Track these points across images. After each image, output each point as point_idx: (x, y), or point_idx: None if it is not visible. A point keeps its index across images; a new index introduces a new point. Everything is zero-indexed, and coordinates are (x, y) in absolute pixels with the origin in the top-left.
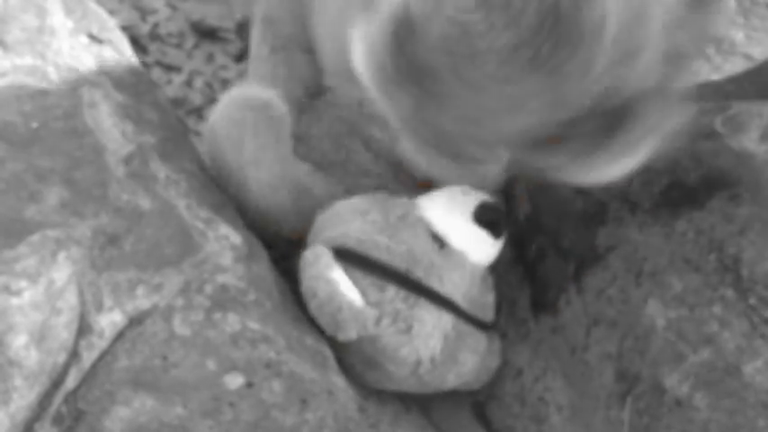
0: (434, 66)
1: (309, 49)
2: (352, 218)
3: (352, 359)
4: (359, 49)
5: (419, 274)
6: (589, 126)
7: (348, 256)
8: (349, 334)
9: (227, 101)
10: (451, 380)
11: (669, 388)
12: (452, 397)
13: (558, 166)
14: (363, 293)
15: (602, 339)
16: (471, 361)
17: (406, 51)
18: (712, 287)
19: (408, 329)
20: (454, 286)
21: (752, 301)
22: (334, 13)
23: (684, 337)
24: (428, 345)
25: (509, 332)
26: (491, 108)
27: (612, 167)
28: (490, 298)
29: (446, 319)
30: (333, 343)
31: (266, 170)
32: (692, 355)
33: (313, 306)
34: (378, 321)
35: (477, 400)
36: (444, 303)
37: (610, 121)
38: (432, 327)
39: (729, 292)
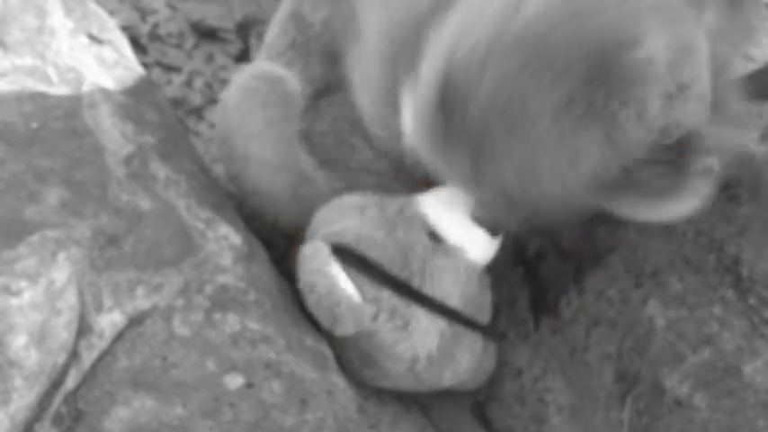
0: (487, 128)
1: (330, 54)
2: (351, 214)
3: (349, 355)
4: (408, 115)
5: (415, 270)
6: (655, 167)
7: (345, 253)
8: (346, 329)
9: (244, 73)
10: (448, 378)
11: (669, 388)
12: (452, 397)
13: (627, 208)
14: (361, 289)
15: (602, 340)
16: (467, 359)
17: (456, 116)
18: (712, 287)
19: (405, 326)
20: (451, 284)
21: (752, 301)
22: (373, 62)
23: (684, 338)
24: (425, 341)
25: (509, 332)
26: (550, 164)
27: (683, 203)
28: (487, 298)
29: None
30: (330, 339)
31: (270, 147)
32: (692, 355)
33: (311, 300)
34: (375, 317)
35: (477, 401)
36: (439, 309)
37: (674, 158)
38: (428, 323)
39: (729, 293)
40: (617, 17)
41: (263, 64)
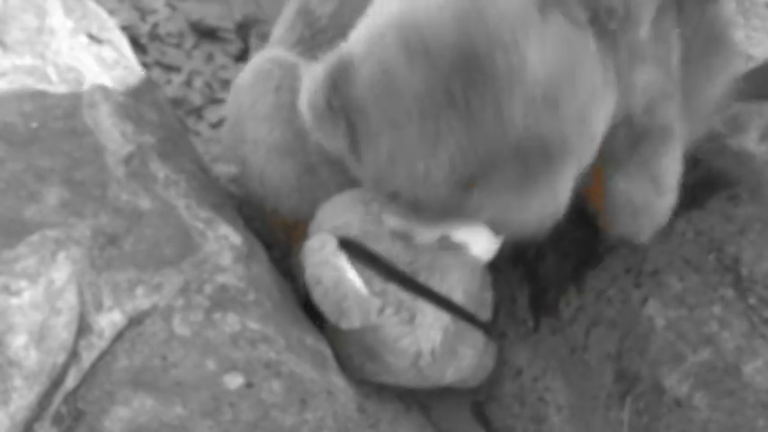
0: (362, 104)
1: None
2: (356, 208)
3: (351, 350)
4: (303, 87)
5: (422, 265)
6: (509, 170)
7: (352, 247)
8: (353, 322)
9: (258, 57)
10: (450, 374)
11: (669, 388)
12: (452, 397)
13: (477, 209)
14: (368, 282)
15: (602, 339)
16: (470, 355)
17: (339, 91)
18: (712, 287)
19: (411, 320)
20: (456, 280)
21: (751, 301)
22: None
23: (684, 337)
24: (429, 336)
25: (509, 332)
26: (412, 145)
27: (529, 214)
28: (488, 295)
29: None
30: (331, 334)
31: (279, 132)
32: (692, 355)
33: (317, 293)
34: (381, 310)
35: (477, 400)
36: (443, 304)
37: (529, 166)
38: (433, 318)
39: (729, 293)
40: (496, 22)
41: (277, 50)
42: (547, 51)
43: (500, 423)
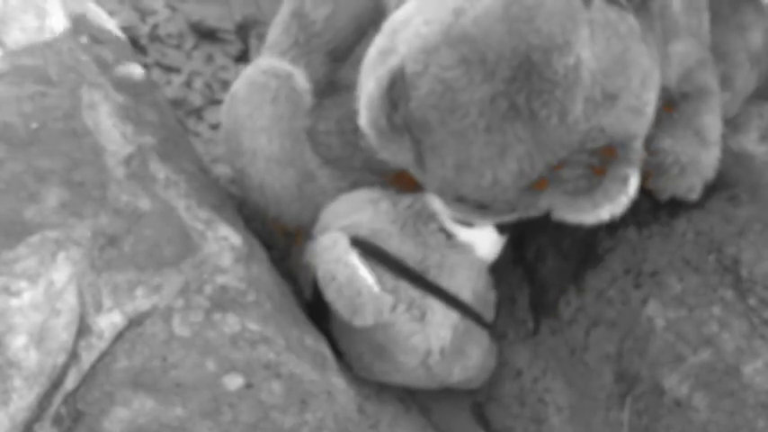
0: (425, 120)
1: (332, 52)
2: (364, 207)
3: (362, 348)
4: (361, 104)
5: (432, 264)
6: (578, 168)
7: (363, 245)
8: (366, 319)
9: (252, 68)
10: (457, 373)
11: (668, 389)
12: (452, 397)
13: (552, 207)
14: (380, 280)
15: (602, 340)
16: (477, 355)
17: (400, 107)
18: (712, 288)
19: (422, 317)
20: (464, 279)
21: (751, 302)
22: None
23: (684, 338)
24: (439, 334)
25: (509, 332)
26: (479, 155)
27: (603, 207)
28: (492, 296)
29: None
30: (341, 332)
31: (278, 142)
32: (692, 355)
33: (331, 290)
34: (393, 308)
35: (477, 401)
36: (452, 302)
37: (596, 163)
38: (443, 316)
39: (729, 293)
40: (547, 25)
41: (271, 60)
42: (598, 44)
43: (500, 424)
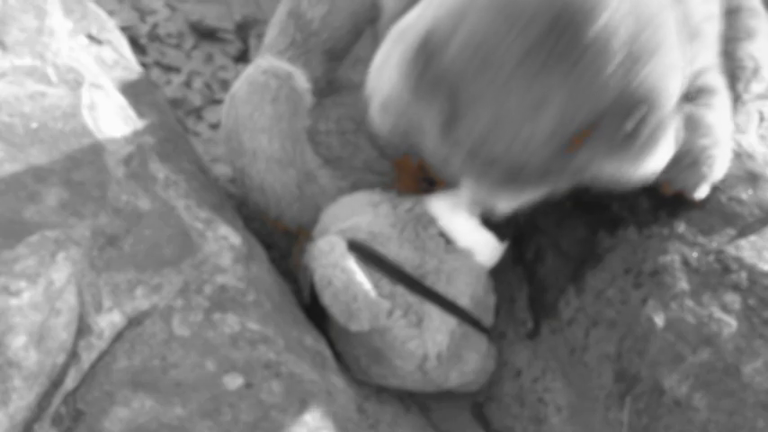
0: (462, 72)
1: (330, 51)
2: (364, 210)
3: (358, 352)
4: (391, 65)
5: (429, 269)
6: (611, 125)
7: (360, 250)
8: (362, 324)
9: (252, 68)
10: (454, 377)
11: (668, 388)
12: (452, 397)
13: (580, 170)
14: (376, 285)
15: (602, 340)
16: (474, 360)
17: (434, 64)
18: (712, 288)
19: (419, 322)
20: (462, 285)
21: (751, 301)
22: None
23: (683, 338)
24: (436, 340)
25: (508, 332)
26: (515, 109)
27: (639, 163)
28: (492, 300)
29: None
30: (339, 335)
31: (279, 143)
32: (692, 355)
33: (327, 295)
34: (390, 313)
35: (477, 401)
36: (450, 308)
37: (631, 126)
38: (440, 322)
39: (729, 293)
40: None
41: (271, 59)
42: (629, 4)
43: (500, 424)
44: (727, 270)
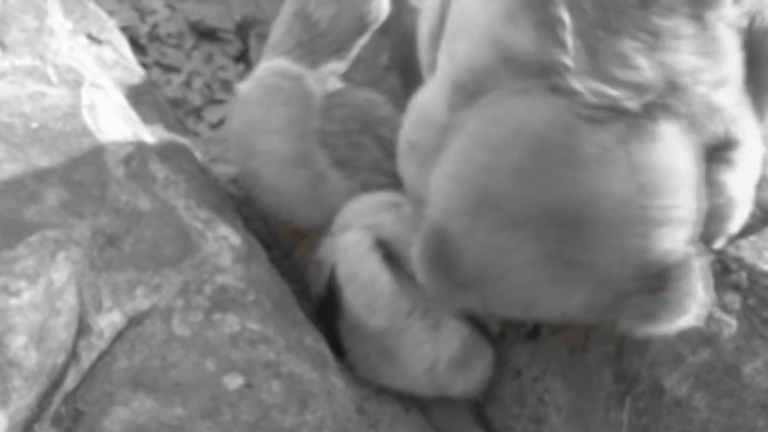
0: (483, 277)
1: (336, 53)
2: (388, 209)
3: (369, 350)
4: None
5: None
6: (644, 293)
7: (386, 248)
8: (381, 321)
9: (263, 70)
10: (459, 385)
11: (668, 388)
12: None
13: (625, 328)
14: (399, 284)
15: (602, 340)
16: (481, 368)
17: (454, 267)
18: (712, 288)
19: (435, 326)
20: None
21: (751, 301)
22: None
23: (684, 338)
24: (449, 344)
25: (508, 333)
26: (547, 298)
27: (675, 320)
28: None
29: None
30: (351, 331)
31: (292, 144)
32: (692, 355)
33: (352, 288)
34: (409, 313)
35: (477, 401)
36: (464, 314)
37: (660, 284)
38: (454, 328)
39: (729, 293)
40: (584, 174)
41: (280, 61)
42: (640, 173)
43: (500, 424)
44: (727, 270)
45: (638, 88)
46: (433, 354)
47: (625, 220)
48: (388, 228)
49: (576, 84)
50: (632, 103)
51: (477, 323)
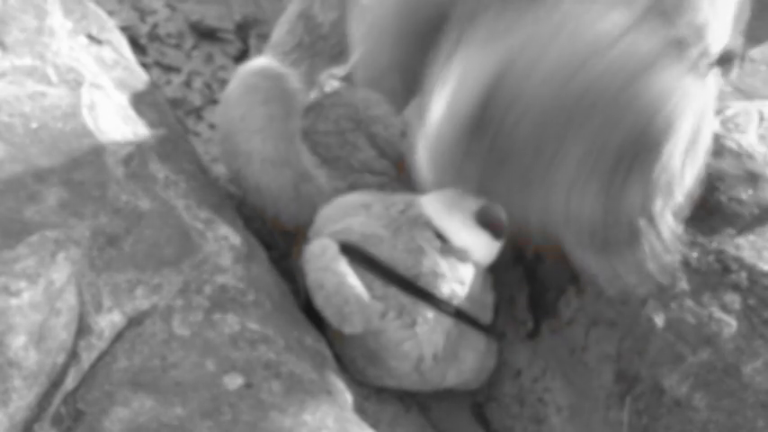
0: (514, 155)
1: (337, 56)
2: (356, 212)
3: (354, 354)
4: (436, 114)
5: (424, 271)
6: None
7: (353, 252)
8: (355, 327)
9: (244, 69)
10: (452, 377)
11: (668, 388)
12: (452, 397)
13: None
14: (369, 287)
15: (602, 340)
16: (471, 358)
17: (485, 133)
18: (712, 288)
19: (412, 324)
20: (458, 285)
21: (751, 301)
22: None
23: (684, 338)
24: (431, 340)
25: (508, 332)
26: (558, 205)
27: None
28: (490, 298)
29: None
30: (335, 337)
31: (272, 144)
32: (692, 355)
33: (319, 298)
34: (383, 315)
35: (477, 401)
36: (444, 308)
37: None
38: (435, 322)
39: (729, 293)
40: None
41: (261, 60)
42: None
43: (499, 424)
44: (727, 270)
45: None
46: (416, 351)
47: (677, 132)
48: (356, 230)
49: None
50: None
51: (463, 315)
